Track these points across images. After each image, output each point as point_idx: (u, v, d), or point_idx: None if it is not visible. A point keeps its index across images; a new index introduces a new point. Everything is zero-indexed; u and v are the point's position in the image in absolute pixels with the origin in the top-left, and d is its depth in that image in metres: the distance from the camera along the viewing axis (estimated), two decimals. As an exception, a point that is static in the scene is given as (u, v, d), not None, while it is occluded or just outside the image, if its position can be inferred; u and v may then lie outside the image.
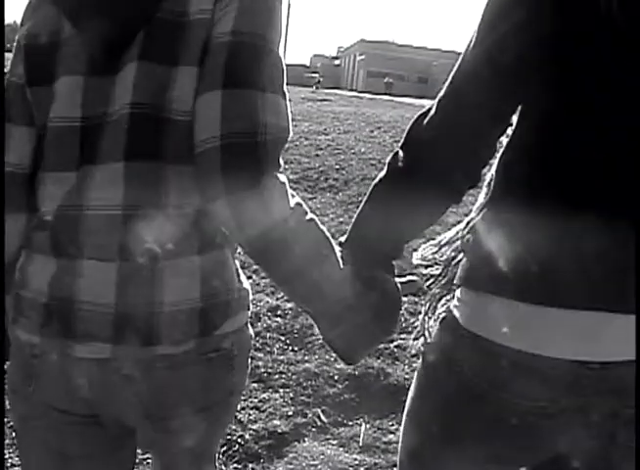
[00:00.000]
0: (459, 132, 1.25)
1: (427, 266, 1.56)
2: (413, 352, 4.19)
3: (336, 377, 3.92)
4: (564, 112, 1.18)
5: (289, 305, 4.85)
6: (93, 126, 1.28)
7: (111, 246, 1.25)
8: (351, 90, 50.71)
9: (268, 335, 4.41)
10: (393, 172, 1.33)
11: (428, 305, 1.52)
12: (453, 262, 1.47)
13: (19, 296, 1.35)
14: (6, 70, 1.46)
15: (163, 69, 1.24)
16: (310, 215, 1.28)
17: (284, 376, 3.96)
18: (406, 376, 3.93)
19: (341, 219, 7.09)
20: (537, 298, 1.18)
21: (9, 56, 1.68)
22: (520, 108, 1.25)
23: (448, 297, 1.46)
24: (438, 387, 1.37)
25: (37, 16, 1.36)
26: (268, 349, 4.25)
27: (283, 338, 4.42)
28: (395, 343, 4.31)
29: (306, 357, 4.18)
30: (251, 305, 1.46)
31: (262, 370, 3.98)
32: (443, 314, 1.41)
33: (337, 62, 65.65)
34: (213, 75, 1.21)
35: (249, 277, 5.23)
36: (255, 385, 3.81)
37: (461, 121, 1.24)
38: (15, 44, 1.39)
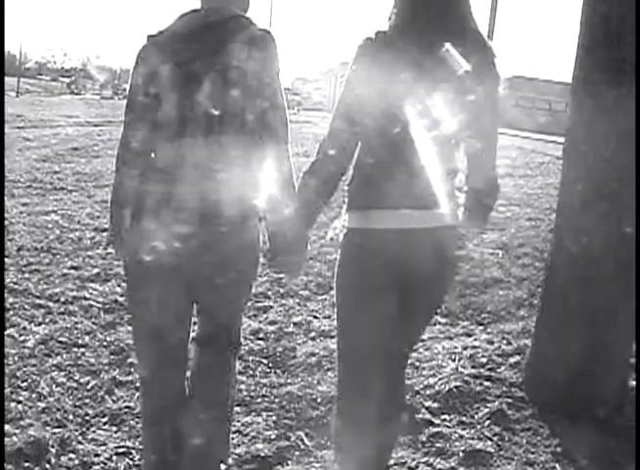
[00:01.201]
0: (337, 148, 2.49)
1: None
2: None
3: (319, 400, 3.91)
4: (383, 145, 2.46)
5: (271, 328, 4.86)
6: (185, 118, 2.49)
7: (195, 174, 2.49)
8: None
9: (251, 358, 4.40)
10: (310, 169, 2.54)
11: (333, 227, 2.75)
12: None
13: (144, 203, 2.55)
14: None
15: (223, 90, 2.45)
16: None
17: (267, 399, 3.95)
18: (389, 398, 3.93)
19: (322, 240, 7.09)
20: (381, 206, 2.45)
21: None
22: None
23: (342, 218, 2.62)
24: (349, 261, 2.67)
25: (150, 60, 2.52)
26: (251, 372, 4.24)
27: (265, 361, 4.42)
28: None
29: (289, 380, 4.18)
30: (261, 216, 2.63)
31: (245, 394, 3.97)
32: (343, 225, 2.61)
33: (317, 84, 65.97)
34: (266, 97, 2.50)
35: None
36: (238, 409, 3.80)
37: (335, 146, 2.50)
38: (134, 74, 2.57)
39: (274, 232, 2.61)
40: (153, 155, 2.58)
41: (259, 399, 3.94)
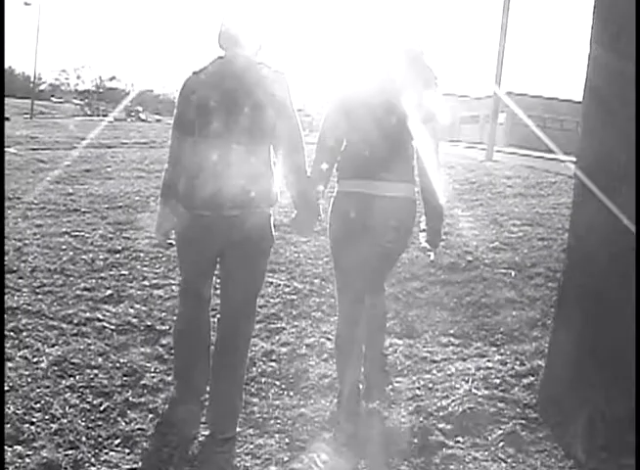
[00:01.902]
0: (324, 149, 3.88)
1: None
2: (409, 395, 4.19)
3: (332, 422, 3.91)
4: (355, 141, 3.82)
5: (284, 350, 4.85)
6: (223, 131, 3.53)
7: (230, 168, 3.52)
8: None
9: (263, 380, 4.40)
10: (314, 164, 3.87)
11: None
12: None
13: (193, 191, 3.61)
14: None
15: (253, 114, 3.52)
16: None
17: (279, 421, 3.94)
18: (403, 419, 3.91)
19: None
20: (359, 177, 3.74)
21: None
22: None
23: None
24: (338, 214, 3.82)
25: (196, 90, 3.57)
26: (263, 394, 4.24)
27: (278, 383, 4.41)
28: (390, 386, 4.31)
29: (302, 402, 4.17)
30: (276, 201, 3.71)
31: (258, 416, 3.97)
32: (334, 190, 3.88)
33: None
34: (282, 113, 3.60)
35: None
36: (251, 431, 3.80)
37: (324, 146, 3.88)
38: (181, 100, 3.65)
39: (295, 201, 3.83)
40: (195, 158, 3.62)
41: (272, 421, 3.94)
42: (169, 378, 4.28)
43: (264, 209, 3.69)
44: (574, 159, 4.12)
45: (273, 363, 4.64)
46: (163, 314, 5.39)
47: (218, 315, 3.87)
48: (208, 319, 3.95)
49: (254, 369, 4.52)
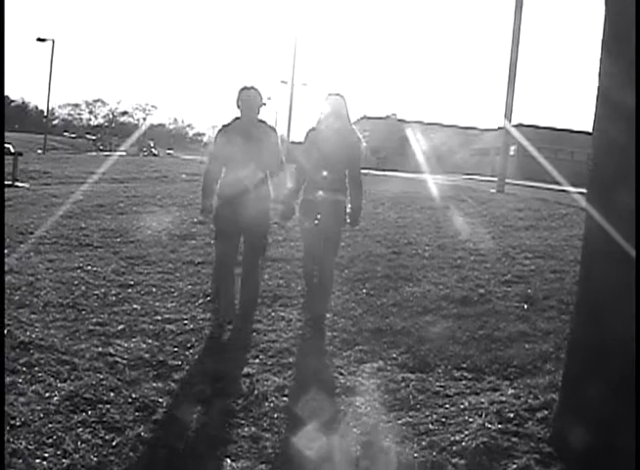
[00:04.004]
0: (301, 171, 6.52)
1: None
2: (422, 429, 4.16)
3: (346, 457, 3.88)
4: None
5: (295, 385, 4.83)
6: (243, 161, 6.01)
7: (244, 177, 6.05)
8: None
9: (275, 415, 4.38)
10: (296, 180, 6.57)
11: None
12: None
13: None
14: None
15: (257, 147, 6.01)
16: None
17: (293, 458, 3.91)
18: (415, 454, 3.88)
19: (347, 296, 7.10)
20: (313, 190, 6.36)
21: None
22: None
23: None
24: (302, 209, 6.50)
25: (226, 134, 6.12)
26: (276, 429, 4.21)
27: (290, 418, 4.39)
28: (403, 420, 4.28)
29: (315, 437, 4.14)
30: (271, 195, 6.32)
31: (270, 450, 3.95)
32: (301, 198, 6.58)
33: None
34: (273, 150, 6.25)
35: (256, 357, 5.24)
36: (263, 466, 3.77)
37: (301, 173, 6.53)
38: (217, 141, 6.23)
39: (278, 198, 6.39)
40: (223, 175, 6.20)
41: (284, 458, 3.91)
42: (181, 413, 4.27)
43: (263, 198, 6.20)
44: (585, 190, 4.12)
45: (285, 398, 4.63)
46: (175, 349, 5.40)
47: (243, 247, 6.34)
48: (236, 254, 6.43)
49: (267, 404, 4.50)
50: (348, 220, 6.51)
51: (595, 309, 3.87)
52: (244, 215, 5.97)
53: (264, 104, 6.24)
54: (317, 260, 6.55)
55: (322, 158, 6.26)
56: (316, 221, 6.31)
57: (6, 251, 8.32)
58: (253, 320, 6.24)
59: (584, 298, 4.01)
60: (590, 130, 4.02)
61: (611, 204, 3.77)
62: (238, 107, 6.09)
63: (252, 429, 4.17)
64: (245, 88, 6.09)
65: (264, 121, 6.23)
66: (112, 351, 5.20)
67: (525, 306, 6.58)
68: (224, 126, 6.18)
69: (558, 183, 24.32)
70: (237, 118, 6.16)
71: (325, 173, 6.28)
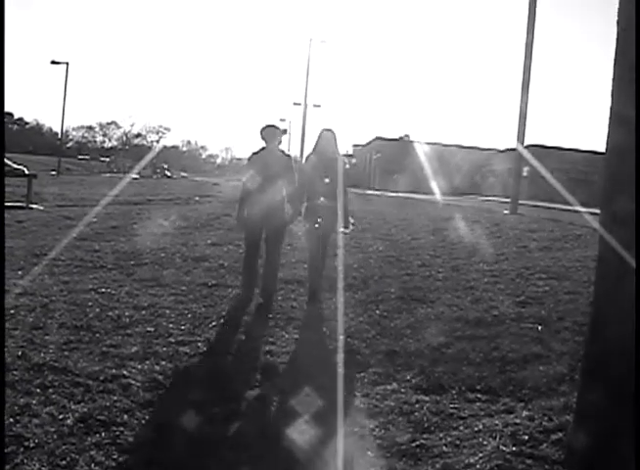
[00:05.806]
0: (302, 186, 8.37)
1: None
2: (436, 452, 4.14)
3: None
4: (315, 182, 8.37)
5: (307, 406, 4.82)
6: (265, 177, 8.07)
7: (269, 193, 8.12)
8: (368, 188, 51.26)
9: (287, 436, 4.36)
10: (299, 193, 8.42)
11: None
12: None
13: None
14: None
15: (277, 169, 8.13)
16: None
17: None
18: (429, 477, 3.86)
19: (360, 318, 7.09)
20: (314, 198, 8.31)
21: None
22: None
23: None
24: (306, 212, 8.32)
25: (254, 160, 8.26)
26: (288, 455, 4.20)
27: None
28: (417, 442, 4.26)
29: None
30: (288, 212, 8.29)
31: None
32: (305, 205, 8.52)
33: (353, 160, 66.62)
34: (289, 172, 8.33)
35: (268, 379, 5.21)
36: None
37: (302, 185, 8.40)
38: (249, 165, 8.40)
39: (289, 208, 8.20)
40: (256, 190, 8.04)
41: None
42: (195, 435, 4.27)
43: (281, 209, 8.06)
44: (599, 211, 4.12)
45: (297, 419, 4.61)
46: (189, 371, 5.40)
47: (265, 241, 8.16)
48: (259, 249, 8.27)
49: (281, 426, 4.49)
50: (341, 226, 8.35)
51: (610, 331, 3.85)
52: (267, 219, 7.97)
53: (284, 132, 8.62)
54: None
55: (321, 172, 8.29)
56: (316, 225, 8.11)
57: (20, 272, 8.38)
58: (275, 290, 8.09)
59: (598, 319, 3.99)
60: (596, 149, 4.02)
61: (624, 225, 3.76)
62: (262, 139, 8.21)
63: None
64: (267, 126, 8.26)
65: (282, 150, 8.39)
66: (125, 372, 5.20)
67: (540, 328, 6.56)
68: (253, 154, 8.34)
69: (568, 203, 24.24)
70: (263, 148, 8.25)
71: (327, 180, 8.14)
